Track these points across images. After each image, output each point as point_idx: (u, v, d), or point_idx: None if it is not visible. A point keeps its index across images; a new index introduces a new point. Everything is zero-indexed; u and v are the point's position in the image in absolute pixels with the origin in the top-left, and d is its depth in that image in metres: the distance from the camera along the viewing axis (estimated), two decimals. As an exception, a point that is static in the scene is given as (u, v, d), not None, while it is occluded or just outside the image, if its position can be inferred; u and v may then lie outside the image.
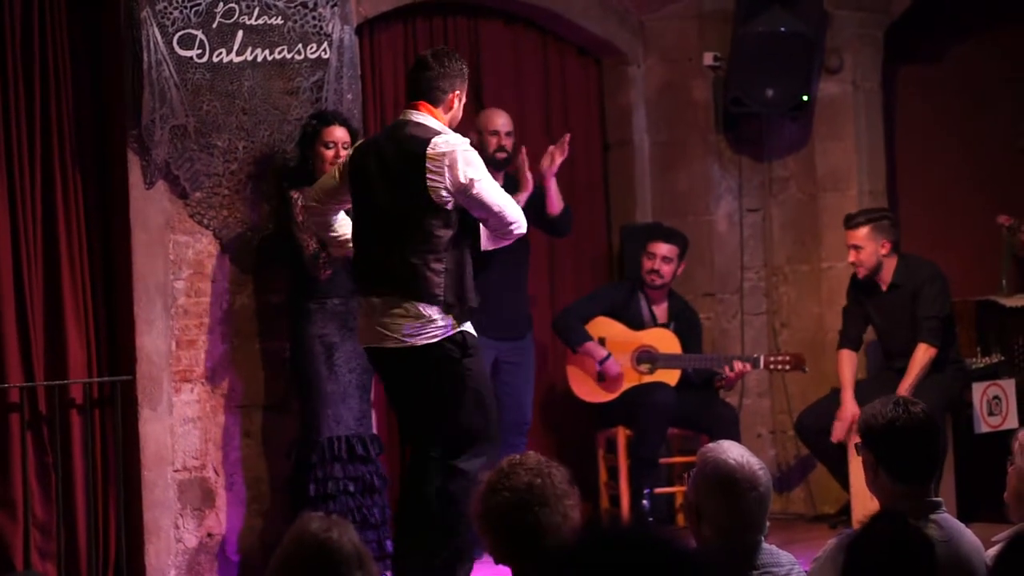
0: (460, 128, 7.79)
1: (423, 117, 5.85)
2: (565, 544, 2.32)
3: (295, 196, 6.57)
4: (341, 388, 6.57)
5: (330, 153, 6.56)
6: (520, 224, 5.91)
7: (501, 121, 7.48)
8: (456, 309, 5.80)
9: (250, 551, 6.68)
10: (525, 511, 3.51)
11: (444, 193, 5.70)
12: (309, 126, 6.69)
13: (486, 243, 6.02)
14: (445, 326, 5.78)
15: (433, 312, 5.75)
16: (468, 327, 5.88)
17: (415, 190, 5.72)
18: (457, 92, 5.93)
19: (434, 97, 5.89)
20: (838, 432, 7.63)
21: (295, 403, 6.71)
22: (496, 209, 5.81)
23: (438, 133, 5.78)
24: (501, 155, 7.44)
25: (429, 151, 5.71)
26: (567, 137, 7.37)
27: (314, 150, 6.63)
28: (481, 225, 5.95)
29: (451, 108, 5.93)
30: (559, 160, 7.35)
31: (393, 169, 5.82)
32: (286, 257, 6.66)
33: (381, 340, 5.84)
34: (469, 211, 5.82)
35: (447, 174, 5.69)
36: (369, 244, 5.93)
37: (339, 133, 6.62)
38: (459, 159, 5.72)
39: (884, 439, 3.95)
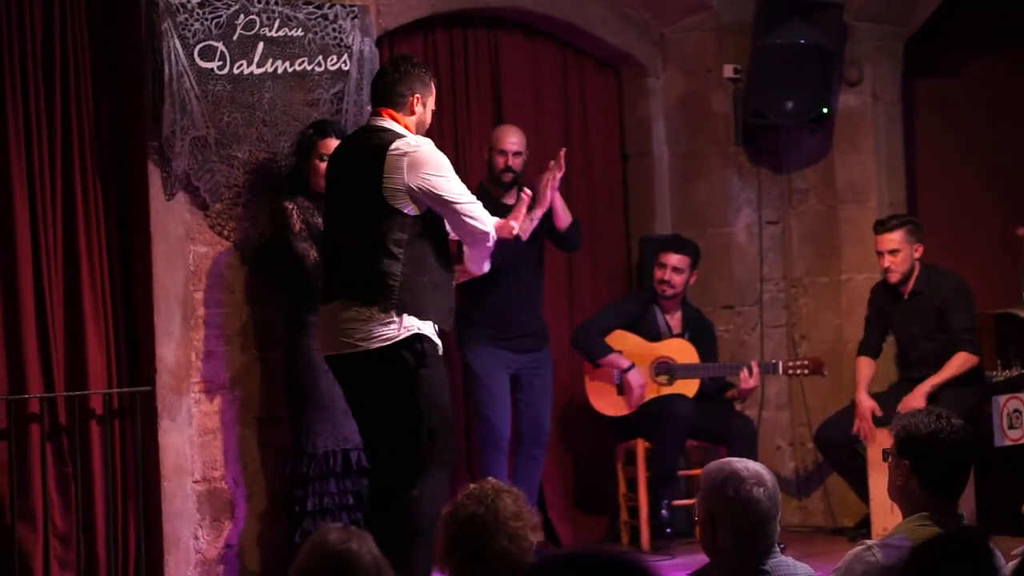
0: (475, 141, 7.84)
1: (387, 122, 5.86)
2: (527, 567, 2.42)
3: (290, 207, 6.52)
4: (340, 400, 6.20)
5: (324, 166, 6.32)
6: (481, 223, 5.82)
7: (511, 140, 7.47)
8: (412, 313, 5.71)
9: (269, 562, 6.69)
10: (470, 541, 3.65)
11: (401, 194, 5.67)
12: (306, 136, 6.64)
13: (470, 264, 5.99)
14: (399, 330, 5.74)
15: (386, 315, 5.72)
16: (431, 334, 5.79)
17: (372, 190, 5.71)
18: (417, 95, 5.93)
19: (394, 102, 5.91)
20: (862, 429, 7.63)
21: (303, 414, 6.58)
22: (453, 203, 5.74)
23: (401, 137, 5.79)
24: (507, 176, 7.43)
25: (390, 151, 5.70)
26: (563, 152, 7.37)
27: (309, 161, 6.57)
28: (466, 248, 5.94)
29: (413, 112, 5.93)
30: (559, 175, 7.34)
31: (355, 169, 5.83)
32: (282, 268, 6.60)
33: (338, 347, 5.82)
34: (435, 211, 5.77)
35: (406, 174, 5.67)
36: (332, 247, 5.94)
37: (335, 145, 6.32)
38: (420, 158, 5.70)
39: (925, 449, 3.93)
